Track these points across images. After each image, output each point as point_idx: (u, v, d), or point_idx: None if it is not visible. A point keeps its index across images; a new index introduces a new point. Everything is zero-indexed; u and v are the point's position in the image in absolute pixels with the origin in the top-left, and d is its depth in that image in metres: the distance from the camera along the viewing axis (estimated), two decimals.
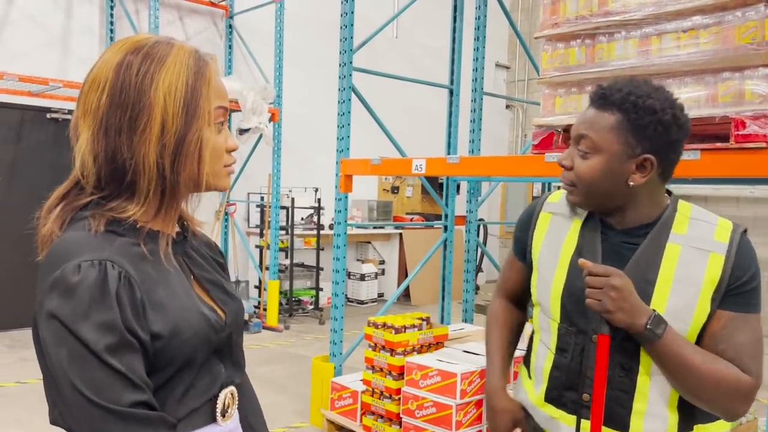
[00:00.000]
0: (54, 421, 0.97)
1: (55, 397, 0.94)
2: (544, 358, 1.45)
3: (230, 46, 7.56)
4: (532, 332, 1.56)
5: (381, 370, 3.58)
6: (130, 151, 0.95)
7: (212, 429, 1.03)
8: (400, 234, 8.73)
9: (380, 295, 8.70)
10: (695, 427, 1.33)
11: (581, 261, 1.28)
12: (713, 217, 1.35)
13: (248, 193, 7.69)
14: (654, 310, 1.25)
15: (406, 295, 8.60)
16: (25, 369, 4.89)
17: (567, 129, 2.86)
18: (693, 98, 2.46)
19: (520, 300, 1.65)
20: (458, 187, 6.22)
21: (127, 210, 0.96)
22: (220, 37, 7.57)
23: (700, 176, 2.45)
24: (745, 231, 1.33)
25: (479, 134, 4.73)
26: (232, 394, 1.08)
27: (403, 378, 3.46)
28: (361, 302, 8.31)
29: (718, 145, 2.36)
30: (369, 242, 8.85)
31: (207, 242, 1.20)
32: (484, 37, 4.68)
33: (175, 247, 1.05)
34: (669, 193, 1.41)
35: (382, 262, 8.86)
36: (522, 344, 1.75)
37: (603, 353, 1.25)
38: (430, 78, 5.61)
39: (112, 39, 6.63)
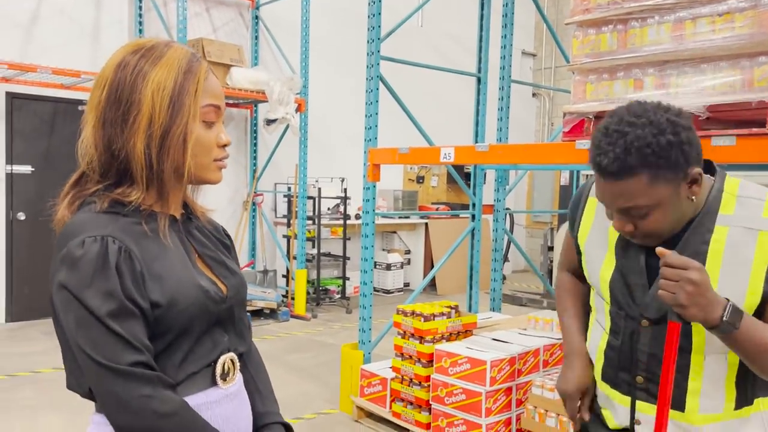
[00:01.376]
0: (69, 386, 1.07)
1: (70, 363, 1.05)
2: (599, 337, 1.46)
3: (256, 37, 7.61)
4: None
5: (410, 357, 3.61)
6: (121, 140, 1.05)
7: (214, 391, 1.12)
8: (426, 224, 8.74)
9: (406, 284, 8.73)
10: (756, 400, 1.33)
11: (659, 249, 1.21)
12: (762, 192, 1.30)
13: (275, 184, 7.75)
14: (728, 300, 1.19)
15: (432, 285, 8.62)
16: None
17: (598, 116, 2.83)
18: (728, 83, 2.42)
19: (582, 275, 1.64)
20: (484, 176, 6.20)
21: (131, 195, 1.07)
22: (246, 28, 7.62)
23: (736, 162, 2.41)
24: None
25: (507, 122, 4.71)
26: (232, 360, 1.15)
27: (432, 365, 3.48)
28: (387, 292, 8.35)
29: (754, 130, 2.33)
30: (395, 232, 8.87)
31: (214, 226, 1.29)
32: (512, 24, 4.64)
33: (179, 228, 1.15)
34: (712, 169, 1.36)
35: (408, 252, 8.88)
36: None
37: (672, 340, 1.22)
38: (455, 67, 5.58)
39: (141, 31, 6.72)
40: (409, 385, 3.60)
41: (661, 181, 1.20)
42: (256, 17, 7.58)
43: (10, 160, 6.09)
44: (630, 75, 2.72)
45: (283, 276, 7.53)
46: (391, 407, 3.72)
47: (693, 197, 1.25)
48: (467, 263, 4.98)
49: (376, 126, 3.99)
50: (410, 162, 3.80)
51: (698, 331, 1.29)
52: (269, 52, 7.73)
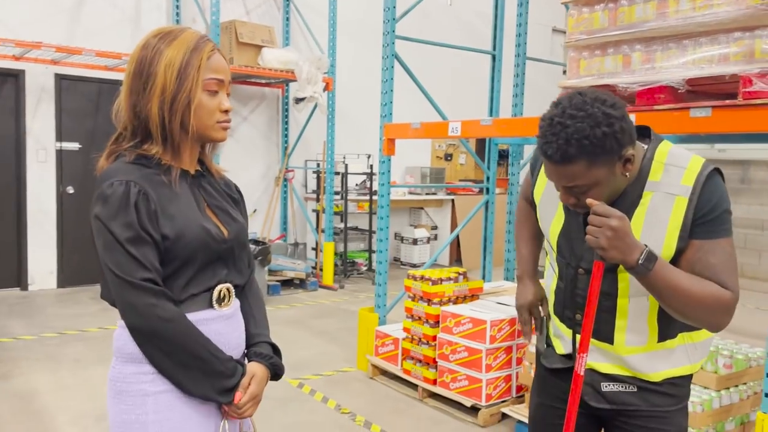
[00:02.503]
0: (102, 296, 1.39)
1: (103, 279, 1.35)
2: (551, 279, 1.71)
3: (287, 19, 7.87)
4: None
5: (419, 318, 3.87)
6: (142, 104, 1.35)
7: (210, 312, 1.39)
8: (452, 200, 8.94)
9: None
10: (680, 335, 1.53)
11: (589, 200, 1.38)
12: (685, 160, 1.46)
13: (305, 161, 8.06)
14: (646, 246, 1.36)
15: (458, 259, 8.84)
16: (107, 317, 5.47)
17: None
18: (707, 57, 2.57)
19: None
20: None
21: (151, 150, 1.37)
22: (278, 9, 7.89)
23: (712, 132, 2.57)
24: (714, 170, 1.46)
25: (522, 98, 4.87)
26: (228, 289, 1.43)
27: (438, 326, 3.74)
28: (414, 266, 8.61)
29: (728, 102, 2.48)
30: (422, 208, 9.10)
31: (227, 182, 1.56)
32: (527, 2, 4.78)
33: (193, 180, 1.43)
34: (647, 135, 1.52)
35: (435, 228, 9.10)
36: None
37: (597, 276, 1.43)
38: (485, 45, 5.69)
39: (178, 14, 7.06)
40: (418, 344, 3.87)
41: (598, 164, 1.38)
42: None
43: (60, 137, 6.55)
44: (619, 51, 2.88)
45: (313, 248, 7.87)
46: (402, 365, 4.00)
47: (627, 173, 1.44)
48: (488, 236, 5.18)
49: (391, 102, 4.22)
50: (421, 136, 4.02)
51: (623, 279, 1.50)
52: (300, 34, 8.00)
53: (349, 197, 7.56)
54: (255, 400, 1.43)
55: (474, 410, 3.53)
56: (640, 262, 1.36)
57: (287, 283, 7.07)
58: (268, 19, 7.72)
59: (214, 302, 1.40)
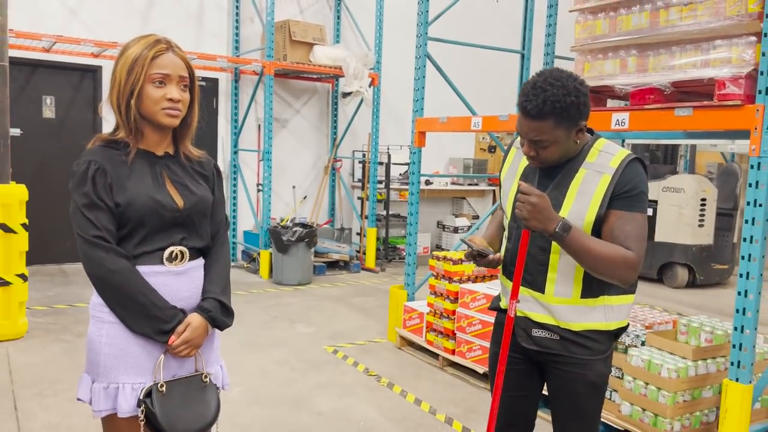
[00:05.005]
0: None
1: None
2: (504, 245, 2.08)
3: (338, 17, 8.34)
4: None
5: (441, 294, 4.28)
6: (111, 99, 1.67)
7: (160, 267, 1.68)
8: (494, 191, 9.24)
9: None
10: (601, 297, 1.87)
11: (519, 182, 1.82)
12: (616, 150, 1.84)
13: (353, 151, 8.53)
14: (563, 218, 1.73)
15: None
16: None
17: (592, 90, 3.32)
18: (691, 63, 2.87)
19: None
20: None
21: (119, 134, 1.68)
22: (329, 8, 8.37)
23: (693, 129, 2.87)
24: (635, 159, 1.83)
25: None
26: (181, 251, 1.71)
27: (457, 301, 4.13)
28: None
29: (705, 102, 2.77)
30: (464, 198, 9.45)
31: (202, 163, 1.83)
32: (557, 3, 5.06)
33: (158, 160, 1.72)
34: (592, 132, 1.93)
35: (476, 217, 9.43)
36: None
37: (524, 241, 1.86)
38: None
39: (237, 14, 7.63)
40: (440, 318, 4.27)
41: (561, 126, 1.77)
42: None
43: None
44: (617, 56, 3.20)
45: (357, 234, 8.36)
46: (425, 336, 4.42)
47: (577, 141, 1.83)
48: None
49: (423, 98, 4.62)
50: (447, 129, 4.40)
51: None
52: (350, 31, 8.45)
53: (391, 186, 7.99)
54: (188, 344, 1.67)
55: (486, 377, 3.92)
56: (556, 230, 1.74)
57: (332, 265, 7.58)
58: (320, 17, 8.21)
59: (165, 260, 1.68)
